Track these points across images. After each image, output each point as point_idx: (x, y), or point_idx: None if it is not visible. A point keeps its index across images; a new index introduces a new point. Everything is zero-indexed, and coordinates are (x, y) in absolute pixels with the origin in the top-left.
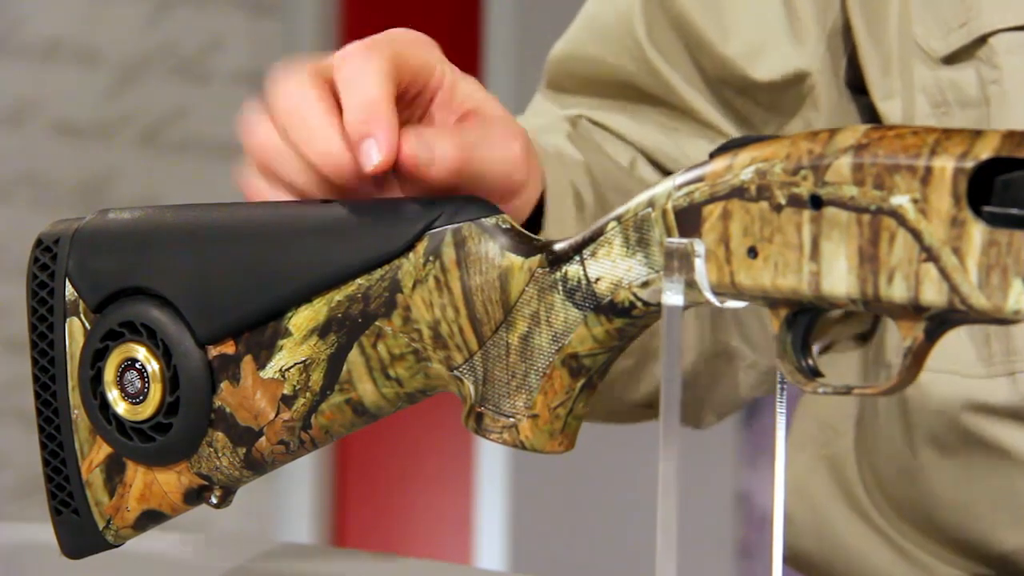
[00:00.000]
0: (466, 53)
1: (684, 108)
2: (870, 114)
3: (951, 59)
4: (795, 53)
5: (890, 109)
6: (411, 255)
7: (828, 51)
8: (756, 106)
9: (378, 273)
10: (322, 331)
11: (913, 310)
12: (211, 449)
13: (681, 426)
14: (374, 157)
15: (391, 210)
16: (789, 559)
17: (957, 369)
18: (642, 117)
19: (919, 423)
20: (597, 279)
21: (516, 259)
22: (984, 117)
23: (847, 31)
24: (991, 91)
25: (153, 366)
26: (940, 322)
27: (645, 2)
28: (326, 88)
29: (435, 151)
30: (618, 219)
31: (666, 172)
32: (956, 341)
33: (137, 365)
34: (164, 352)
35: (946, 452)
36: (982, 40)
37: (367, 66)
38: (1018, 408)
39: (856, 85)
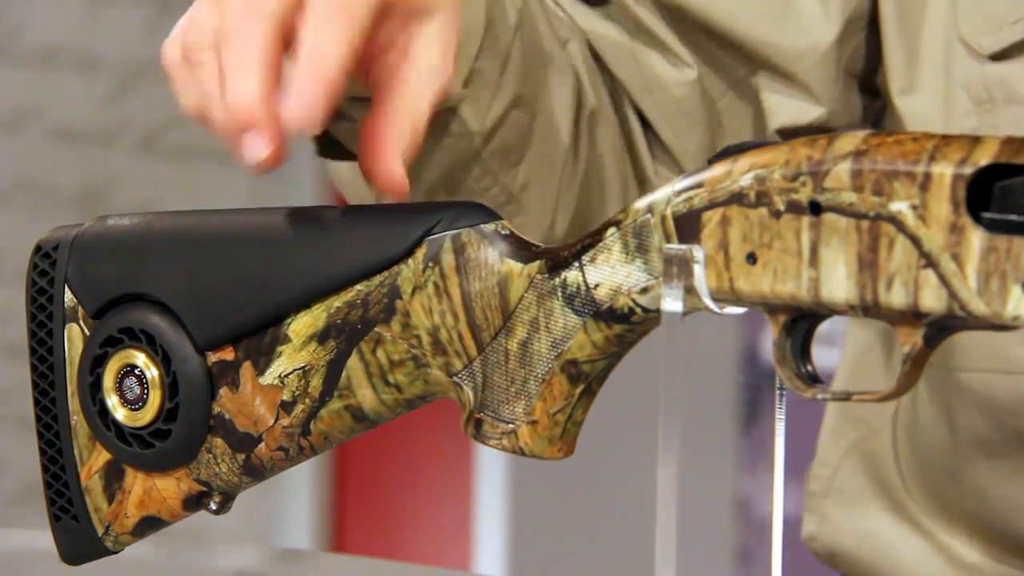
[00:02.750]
0: None
1: (645, 29)
2: (875, 112)
3: (1000, 55)
4: (817, 29)
5: (908, 104)
6: (410, 261)
7: (841, 35)
8: (736, 59)
9: (377, 279)
10: (321, 337)
11: (912, 316)
12: (210, 455)
13: None
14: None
15: (390, 216)
16: (827, 558)
17: (1000, 367)
18: (601, 15)
19: (965, 423)
20: (596, 285)
21: (515, 265)
22: None
23: (872, 20)
24: None
25: (152, 372)
26: (939, 328)
27: None
28: (282, 27)
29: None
30: (617, 225)
31: (601, 64)
32: (999, 339)
33: (136, 371)
34: (163, 358)
35: (994, 452)
36: None
37: (333, 36)
38: None
39: (863, 78)
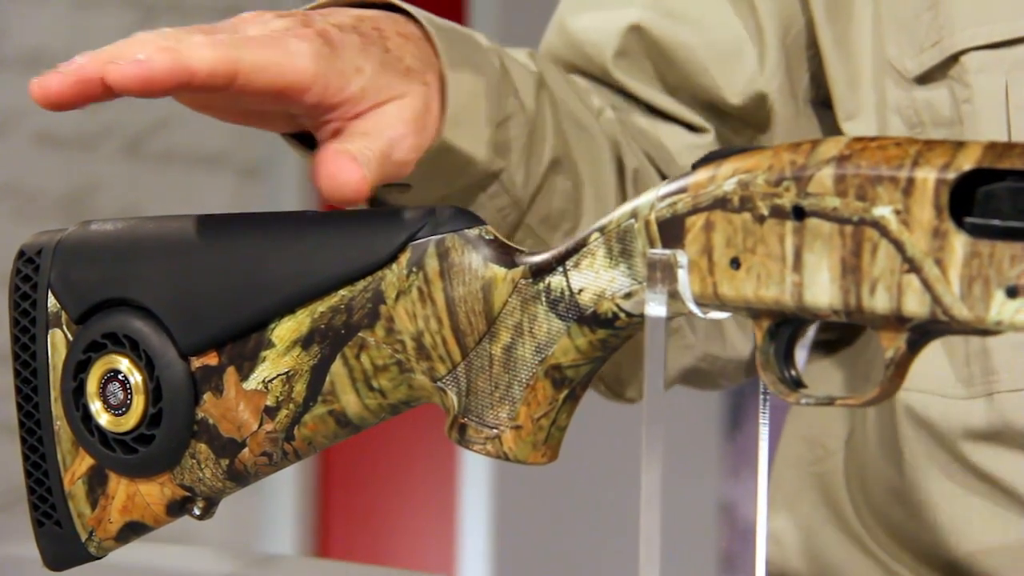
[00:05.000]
0: None
1: (654, 108)
2: (836, 132)
3: (924, 79)
4: (759, 75)
5: (854, 129)
6: (394, 266)
7: (787, 70)
8: (727, 122)
9: (361, 284)
10: (305, 342)
11: (896, 321)
12: (194, 460)
13: (606, 399)
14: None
15: (374, 221)
16: None
17: (937, 390)
18: (621, 99)
19: (906, 444)
20: (580, 290)
21: (499, 270)
22: (957, 136)
23: (811, 48)
24: (963, 110)
25: (136, 377)
26: (922, 333)
27: (626, 32)
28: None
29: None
30: (601, 230)
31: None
32: (937, 362)
33: (120, 376)
34: (147, 363)
35: (932, 474)
36: (954, 59)
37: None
38: (996, 430)
39: (822, 102)
